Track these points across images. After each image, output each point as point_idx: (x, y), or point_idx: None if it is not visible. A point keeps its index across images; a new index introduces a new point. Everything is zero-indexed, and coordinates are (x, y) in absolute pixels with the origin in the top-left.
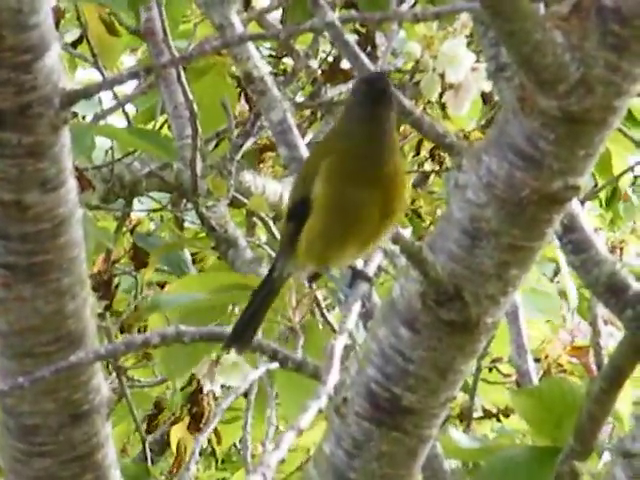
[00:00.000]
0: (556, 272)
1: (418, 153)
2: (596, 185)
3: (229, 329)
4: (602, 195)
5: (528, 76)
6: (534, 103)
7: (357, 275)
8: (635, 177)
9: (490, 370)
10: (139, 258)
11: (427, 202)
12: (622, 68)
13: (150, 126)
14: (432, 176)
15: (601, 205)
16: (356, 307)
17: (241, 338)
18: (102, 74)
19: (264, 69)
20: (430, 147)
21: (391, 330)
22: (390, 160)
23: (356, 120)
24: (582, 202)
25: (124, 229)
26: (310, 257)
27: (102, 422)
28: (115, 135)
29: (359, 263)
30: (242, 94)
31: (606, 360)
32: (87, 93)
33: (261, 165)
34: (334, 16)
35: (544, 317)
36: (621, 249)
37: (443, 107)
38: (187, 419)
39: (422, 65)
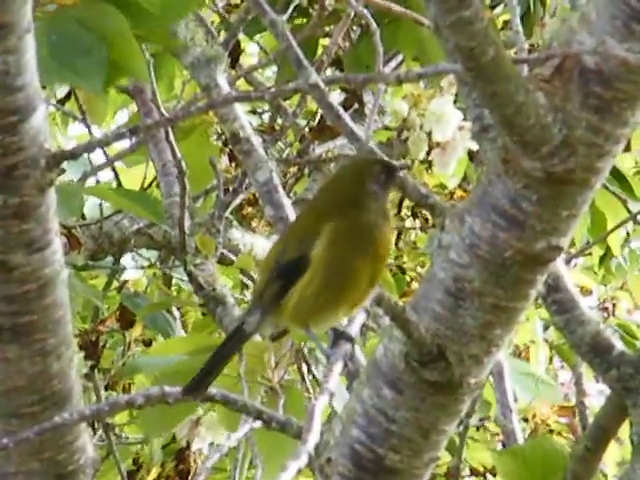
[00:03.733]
0: (546, 327)
1: (400, 211)
2: (588, 242)
3: (213, 390)
4: (594, 253)
5: (511, 137)
6: (517, 164)
7: (339, 335)
8: (627, 234)
9: (478, 429)
10: (126, 318)
11: (410, 257)
12: (604, 129)
13: (140, 183)
14: (416, 232)
15: (593, 264)
16: (338, 367)
17: (198, 387)
18: (89, 131)
19: (249, 129)
20: (412, 205)
21: (374, 390)
22: (383, 232)
23: (364, 196)
24: (568, 261)
25: (113, 286)
26: (298, 315)
27: None
28: (102, 195)
29: (342, 323)
30: (227, 153)
31: (591, 420)
32: (74, 154)
33: (249, 222)
34: (318, 78)
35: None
36: (613, 305)
37: (430, 165)
38: (172, 477)
39: (409, 123)
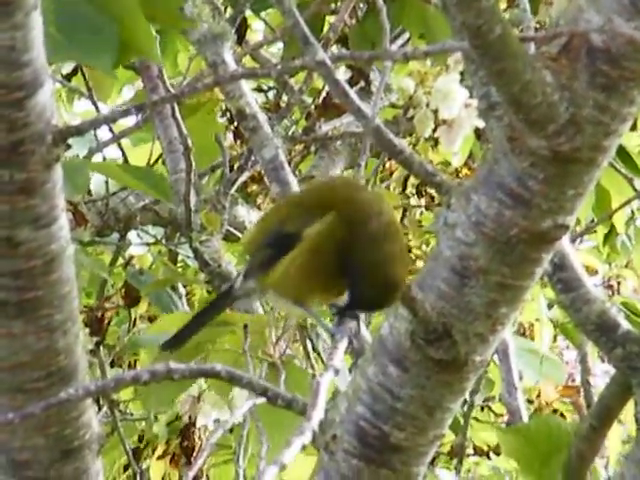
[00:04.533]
0: (550, 306)
1: (405, 189)
2: (592, 220)
3: (218, 366)
4: (599, 231)
5: (517, 116)
6: (523, 143)
7: (344, 313)
8: (632, 213)
9: (482, 409)
10: (130, 295)
11: (415, 236)
12: (611, 108)
13: (146, 160)
14: (421, 210)
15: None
16: (343, 345)
17: (176, 342)
18: (96, 107)
19: (256, 106)
20: (417, 183)
21: (380, 368)
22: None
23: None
24: (574, 240)
25: (119, 262)
26: (280, 288)
27: (92, 458)
28: (108, 172)
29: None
30: (232, 130)
31: (596, 398)
32: (80, 130)
33: (255, 199)
34: (325, 55)
35: (546, 381)
36: (618, 283)
37: (436, 143)
38: (177, 454)
39: (415, 101)
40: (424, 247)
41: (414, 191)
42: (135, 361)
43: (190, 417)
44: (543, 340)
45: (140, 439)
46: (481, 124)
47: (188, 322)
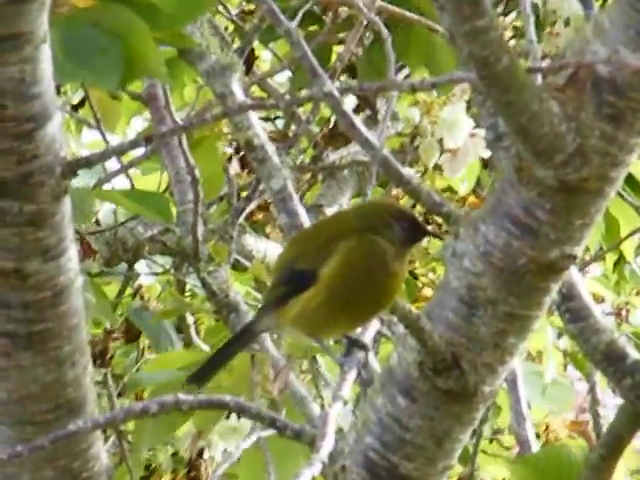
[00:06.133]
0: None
1: None
2: (601, 248)
3: (227, 397)
4: (608, 259)
5: (525, 146)
6: (531, 173)
7: (353, 343)
8: None
9: (491, 441)
10: (131, 332)
11: (422, 263)
12: (618, 139)
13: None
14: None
15: (607, 269)
16: (351, 375)
17: (202, 377)
18: (104, 138)
19: (264, 137)
20: (424, 210)
21: (389, 398)
22: (397, 266)
23: (384, 228)
24: (583, 268)
25: (128, 292)
26: (297, 324)
27: None
28: (112, 199)
29: (355, 331)
30: (238, 159)
31: (605, 428)
32: (89, 162)
33: (263, 228)
34: (332, 86)
35: (554, 408)
36: (627, 311)
37: (440, 170)
38: None
39: (421, 131)
40: (430, 275)
41: (421, 218)
42: (143, 391)
43: (199, 448)
44: (549, 369)
45: (147, 468)
46: (487, 154)
47: (211, 357)
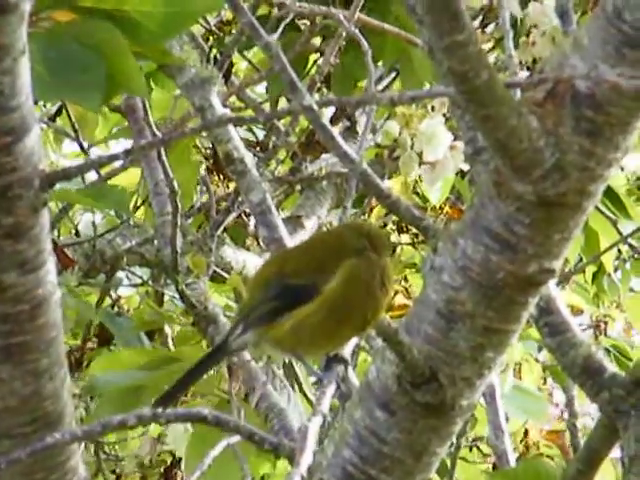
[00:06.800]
0: (540, 348)
1: (385, 225)
2: (581, 260)
3: (205, 410)
4: (587, 271)
5: (503, 161)
6: (509, 187)
7: (332, 357)
8: (619, 252)
9: (470, 449)
10: (104, 336)
11: (396, 271)
12: (596, 153)
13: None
14: (400, 246)
15: (586, 281)
16: (330, 389)
17: (169, 398)
18: (82, 149)
19: (243, 150)
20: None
21: (367, 412)
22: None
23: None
24: (562, 281)
25: (106, 303)
26: (288, 340)
27: None
28: (70, 199)
29: None
30: (214, 171)
31: (582, 442)
32: (67, 175)
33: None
34: (312, 100)
35: (529, 418)
36: (605, 323)
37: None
38: None
39: (400, 143)
40: (403, 283)
41: (394, 227)
42: None
43: (174, 457)
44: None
45: (113, 472)
46: (466, 167)
47: (181, 377)
